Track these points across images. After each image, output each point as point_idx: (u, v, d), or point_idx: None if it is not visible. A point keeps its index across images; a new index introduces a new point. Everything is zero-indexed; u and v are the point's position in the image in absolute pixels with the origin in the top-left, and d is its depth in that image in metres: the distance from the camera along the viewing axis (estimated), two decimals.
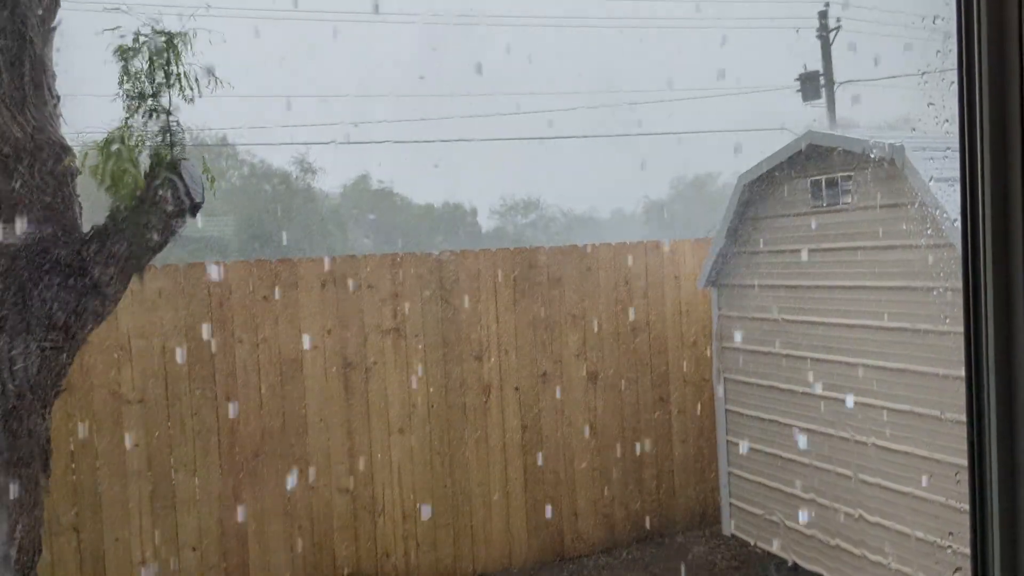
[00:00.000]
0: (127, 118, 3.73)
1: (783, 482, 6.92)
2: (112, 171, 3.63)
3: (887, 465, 5.85)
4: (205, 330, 6.36)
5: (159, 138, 3.75)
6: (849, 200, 6.19)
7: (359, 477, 6.80)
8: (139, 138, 3.72)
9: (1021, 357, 1.24)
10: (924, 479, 5.50)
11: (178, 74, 3.64)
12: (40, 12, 3.76)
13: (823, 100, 19.74)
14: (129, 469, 6.17)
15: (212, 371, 6.38)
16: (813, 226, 6.49)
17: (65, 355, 3.77)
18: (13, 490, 3.61)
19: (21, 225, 3.64)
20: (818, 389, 6.45)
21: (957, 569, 5.09)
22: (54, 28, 3.86)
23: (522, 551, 7.35)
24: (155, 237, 3.80)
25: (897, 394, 5.75)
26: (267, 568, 6.53)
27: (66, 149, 3.79)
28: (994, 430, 1.27)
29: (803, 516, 6.65)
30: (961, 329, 1.32)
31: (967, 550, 1.34)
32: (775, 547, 7.02)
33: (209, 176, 3.91)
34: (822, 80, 19.71)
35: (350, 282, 6.77)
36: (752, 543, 7.30)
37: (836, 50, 19.62)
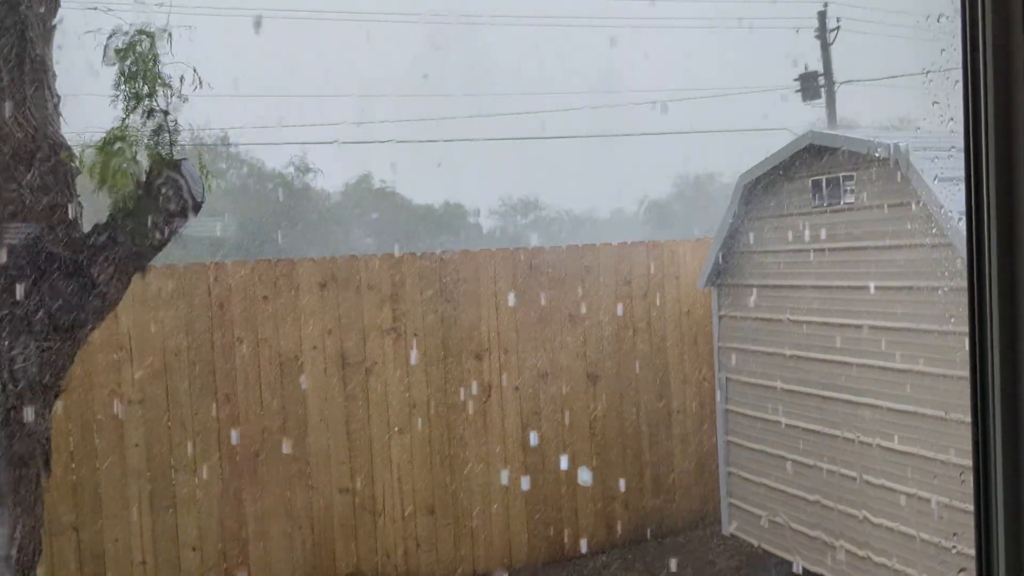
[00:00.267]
0: (123, 119, 3.73)
1: (785, 482, 6.91)
2: (114, 169, 3.63)
3: (891, 466, 5.84)
4: (205, 330, 6.35)
5: (157, 137, 3.74)
6: (850, 200, 6.18)
7: (359, 477, 6.80)
8: (134, 138, 3.72)
9: None
10: (928, 480, 5.49)
11: (156, 73, 3.64)
12: (41, 11, 3.75)
13: (823, 100, 19.74)
14: (129, 469, 6.16)
15: (212, 371, 6.38)
16: (813, 226, 6.49)
17: (65, 355, 3.76)
18: (13, 490, 3.60)
19: (21, 225, 3.64)
20: (819, 390, 6.44)
21: (962, 570, 5.08)
22: (54, 27, 3.85)
23: (522, 551, 7.34)
24: (157, 235, 3.80)
25: (901, 394, 5.74)
26: (267, 568, 6.52)
27: (66, 149, 3.78)
28: (999, 430, 1.26)
29: (805, 517, 6.64)
30: (965, 329, 1.31)
31: (971, 551, 1.33)
32: (777, 548, 7.01)
33: (207, 175, 3.91)
34: (822, 80, 19.70)
35: (350, 282, 6.77)
36: (756, 544, 7.29)
37: (836, 50, 19.62)
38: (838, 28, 19.64)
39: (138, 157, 3.74)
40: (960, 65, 1.27)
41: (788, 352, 6.77)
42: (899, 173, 5.59)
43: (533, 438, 7.32)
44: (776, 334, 6.90)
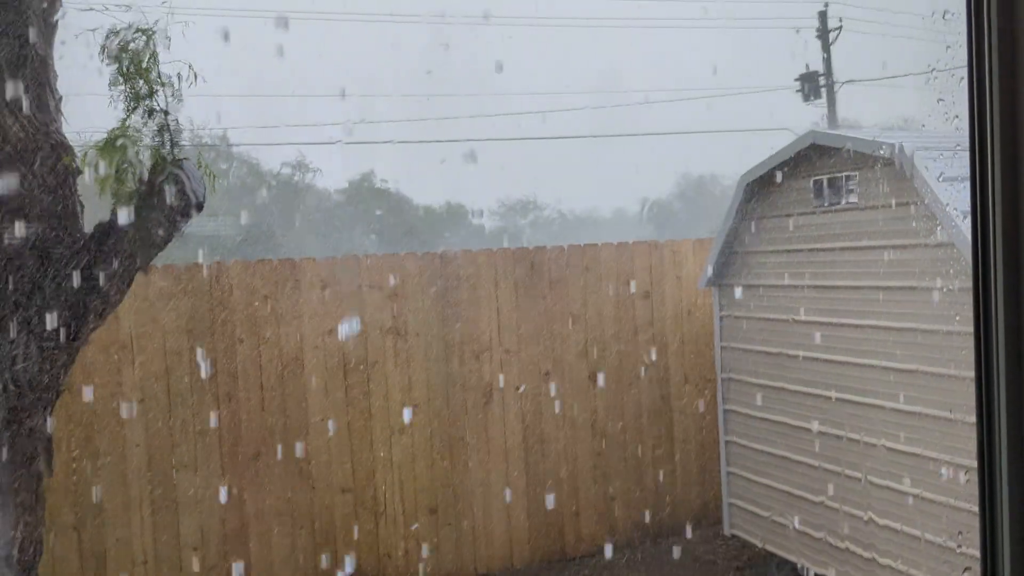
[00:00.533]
0: (124, 119, 3.73)
1: (788, 483, 6.90)
2: (116, 167, 3.62)
3: (895, 467, 5.82)
4: (206, 330, 6.35)
5: (158, 137, 3.74)
6: (852, 199, 6.17)
7: (360, 477, 6.79)
8: (135, 137, 3.71)
9: None
10: (933, 480, 5.47)
11: (147, 70, 3.64)
12: (44, 7, 3.74)
13: (824, 100, 19.73)
14: (130, 469, 6.16)
15: (213, 371, 6.38)
16: (815, 226, 6.48)
17: (66, 355, 3.76)
18: (15, 490, 3.60)
19: (22, 225, 3.63)
20: (822, 390, 6.43)
21: (966, 569, 5.07)
22: (55, 25, 3.85)
23: (523, 551, 7.33)
24: (160, 233, 3.80)
25: (905, 395, 5.72)
26: (268, 568, 6.52)
27: (67, 148, 3.78)
28: (1004, 430, 1.26)
29: (807, 517, 6.63)
30: (970, 329, 1.30)
31: (976, 551, 1.32)
32: (779, 548, 7.00)
33: (209, 173, 3.91)
34: (822, 80, 19.69)
35: (351, 281, 6.77)
36: (759, 545, 7.28)
37: (837, 50, 19.60)
38: (840, 28, 19.63)
39: (140, 156, 3.73)
40: (965, 62, 1.26)
41: (790, 352, 6.76)
42: (902, 172, 5.58)
43: (533, 438, 7.32)
44: (778, 334, 6.89)
